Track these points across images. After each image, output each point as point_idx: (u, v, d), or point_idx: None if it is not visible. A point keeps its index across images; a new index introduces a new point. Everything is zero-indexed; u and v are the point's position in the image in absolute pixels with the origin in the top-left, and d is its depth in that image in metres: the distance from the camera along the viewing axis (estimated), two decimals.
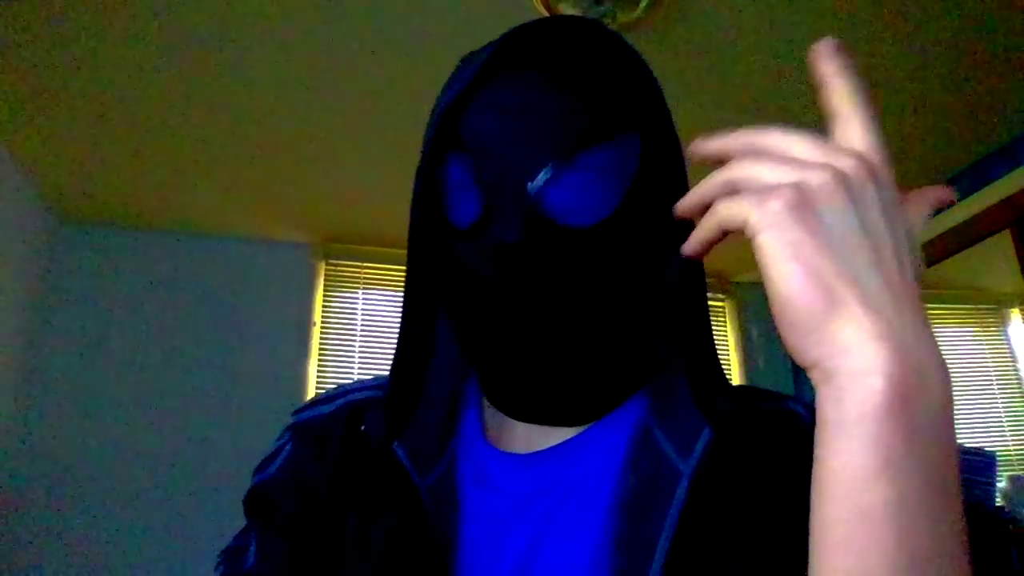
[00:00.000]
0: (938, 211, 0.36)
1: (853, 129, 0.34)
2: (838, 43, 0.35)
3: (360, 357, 2.80)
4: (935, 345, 0.30)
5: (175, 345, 2.64)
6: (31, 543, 2.34)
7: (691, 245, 0.36)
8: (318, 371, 2.75)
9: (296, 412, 0.58)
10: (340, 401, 0.57)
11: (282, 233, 2.82)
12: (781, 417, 0.50)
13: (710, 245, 0.36)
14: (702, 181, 0.35)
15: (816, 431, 0.30)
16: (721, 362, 0.48)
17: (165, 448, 2.52)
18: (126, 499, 2.44)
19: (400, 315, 0.51)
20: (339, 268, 2.89)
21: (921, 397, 0.28)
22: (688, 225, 0.48)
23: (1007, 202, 2.18)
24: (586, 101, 0.45)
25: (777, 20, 1.68)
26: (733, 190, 0.34)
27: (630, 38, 1.69)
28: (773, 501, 0.44)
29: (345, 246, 2.88)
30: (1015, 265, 2.18)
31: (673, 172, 0.50)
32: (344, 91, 1.93)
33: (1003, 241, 2.21)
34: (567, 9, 1.60)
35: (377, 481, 0.50)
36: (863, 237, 0.30)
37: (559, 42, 0.47)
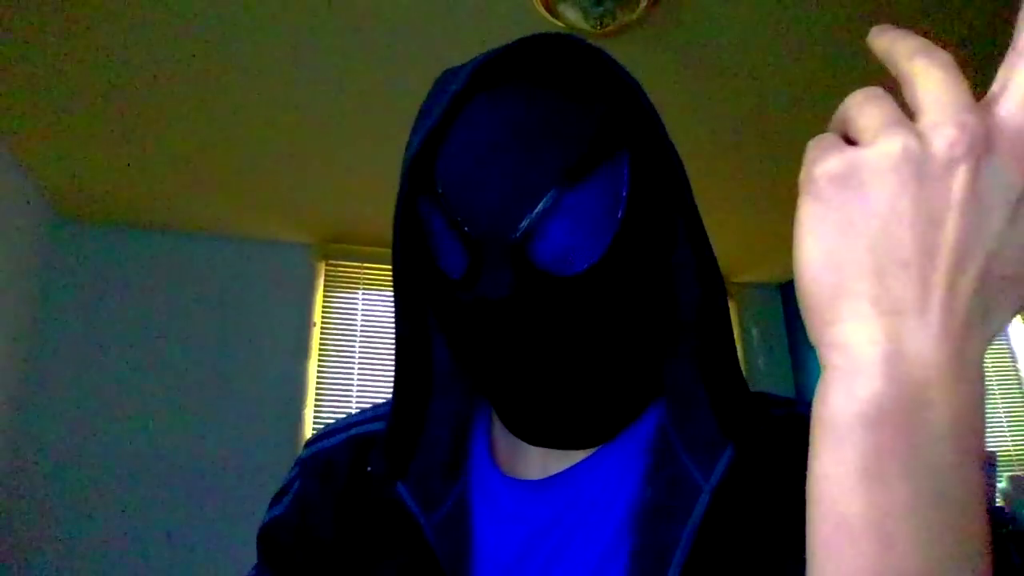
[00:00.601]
0: None
1: (927, 87, 0.27)
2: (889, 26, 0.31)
3: (360, 358, 2.80)
4: (966, 363, 0.26)
5: (175, 345, 2.64)
6: (30, 542, 2.34)
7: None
8: (318, 371, 2.75)
9: (307, 443, 0.57)
10: (344, 435, 0.55)
11: (282, 233, 2.81)
12: (795, 423, 0.48)
13: None
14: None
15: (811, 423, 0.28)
16: (742, 374, 0.46)
17: (164, 448, 2.52)
18: (125, 499, 2.44)
19: (394, 348, 0.49)
20: (339, 269, 2.89)
21: (917, 411, 0.26)
22: (698, 228, 0.47)
23: None
24: (574, 128, 0.42)
25: (776, 19, 1.68)
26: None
27: (630, 38, 1.70)
28: (791, 511, 0.43)
29: (345, 247, 2.88)
30: None
31: (669, 184, 0.47)
32: (345, 91, 1.93)
33: None
34: (567, 10, 1.60)
35: (383, 522, 0.49)
36: (912, 227, 0.26)
37: (539, 63, 0.44)
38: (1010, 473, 2.45)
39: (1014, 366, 3.21)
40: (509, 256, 0.41)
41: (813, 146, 0.29)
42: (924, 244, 0.26)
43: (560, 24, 1.64)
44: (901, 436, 0.26)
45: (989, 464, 2.14)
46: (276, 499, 0.55)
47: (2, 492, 2.33)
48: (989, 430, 3.06)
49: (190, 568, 2.40)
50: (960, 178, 0.25)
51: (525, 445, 0.50)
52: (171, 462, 2.51)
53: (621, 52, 1.74)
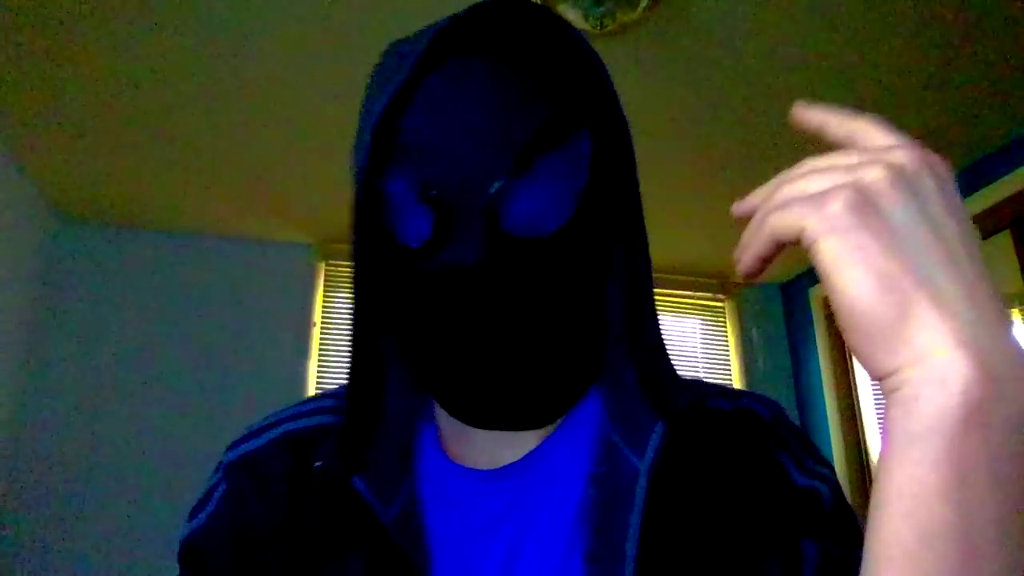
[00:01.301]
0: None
1: (875, 139, 0.32)
2: (805, 103, 0.36)
3: None
4: (1016, 348, 0.27)
5: (175, 345, 2.64)
6: (30, 543, 2.34)
7: (746, 263, 0.34)
8: (318, 371, 2.75)
9: (229, 447, 0.52)
10: (276, 432, 0.52)
11: (282, 234, 2.82)
12: (738, 416, 0.49)
13: (766, 262, 0.33)
14: (755, 191, 0.34)
15: (884, 441, 0.28)
16: (669, 356, 0.46)
17: (164, 448, 2.52)
18: (125, 499, 2.44)
19: (350, 338, 0.46)
20: (339, 269, 2.89)
21: (998, 409, 0.26)
22: (638, 218, 0.47)
23: (1007, 202, 2.18)
24: (540, 94, 0.42)
25: (776, 19, 1.68)
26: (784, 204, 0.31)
27: (630, 38, 1.70)
28: (732, 501, 0.44)
29: (345, 247, 2.87)
30: (1015, 265, 2.18)
31: (623, 163, 0.47)
32: (344, 91, 1.93)
33: (1003, 241, 2.21)
34: (567, 10, 1.60)
35: (336, 521, 0.46)
36: (930, 232, 0.28)
37: (503, 28, 0.43)
38: None
39: None
40: (479, 219, 0.40)
41: (795, 196, 0.31)
42: (942, 243, 0.28)
43: None
44: (991, 435, 0.26)
45: None
46: (197, 508, 0.50)
47: (2, 492, 2.33)
48: None
49: None
50: (931, 185, 0.29)
51: (472, 433, 0.49)
52: (170, 462, 2.51)
53: (621, 52, 1.74)
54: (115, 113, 1.99)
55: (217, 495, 0.50)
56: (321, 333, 2.80)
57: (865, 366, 0.29)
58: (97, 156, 2.22)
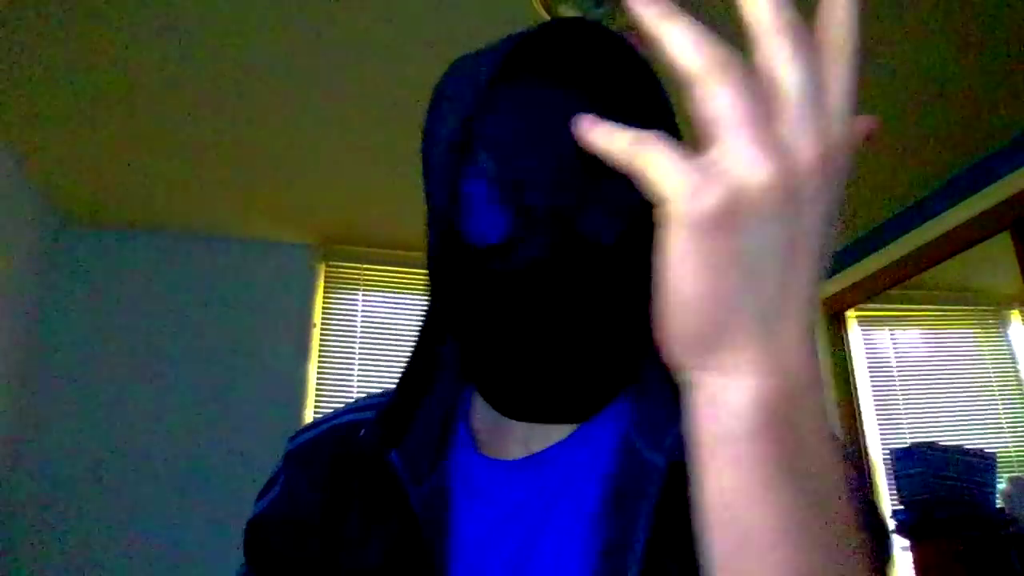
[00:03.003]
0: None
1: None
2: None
3: (360, 358, 2.80)
4: (813, 353, 0.28)
5: (175, 346, 2.64)
6: (30, 543, 2.34)
7: (597, 143, 0.29)
8: (318, 372, 2.75)
9: (292, 437, 0.59)
10: (326, 425, 0.58)
11: (283, 234, 2.82)
12: None
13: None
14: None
15: (692, 445, 0.29)
16: None
17: (165, 448, 2.52)
18: (125, 499, 2.44)
19: (417, 332, 0.52)
20: (339, 270, 2.89)
21: (796, 412, 0.27)
22: None
23: (1007, 203, 2.18)
24: (609, 109, 0.45)
25: None
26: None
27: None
28: None
29: (345, 248, 2.88)
30: (1015, 266, 2.18)
31: None
32: (345, 92, 1.93)
33: (1003, 242, 2.21)
34: (567, 11, 1.60)
35: (371, 494, 0.50)
36: (780, 257, 0.26)
37: (570, 44, 0.47)
38: (1010, 474, 2.45)
39: (1014, 366, 3.21)
40: (557, 221, 0.44)
41: (669, 161, 0.27)
42: (790, 267, 0.27)
43: None
44: (793, 440, 0.27)
45: (989, 466, 2.14)
46: (262, 493, 0.57)
47: (2, 494, 2.33)
48: (988, 431, 3.06)
49: (190, 568, 2.40)
50: (820, 198, 0.26)
51: (508, 426, 0.52)
52: (171, 463, 2.51)
53: None
54: (117, 116, 1.99)
55: (278, 484, 0.56)
56: (321, 334, 2.80)
57: (664, 354, 0.29)
58: (98, 157, 2.22)
